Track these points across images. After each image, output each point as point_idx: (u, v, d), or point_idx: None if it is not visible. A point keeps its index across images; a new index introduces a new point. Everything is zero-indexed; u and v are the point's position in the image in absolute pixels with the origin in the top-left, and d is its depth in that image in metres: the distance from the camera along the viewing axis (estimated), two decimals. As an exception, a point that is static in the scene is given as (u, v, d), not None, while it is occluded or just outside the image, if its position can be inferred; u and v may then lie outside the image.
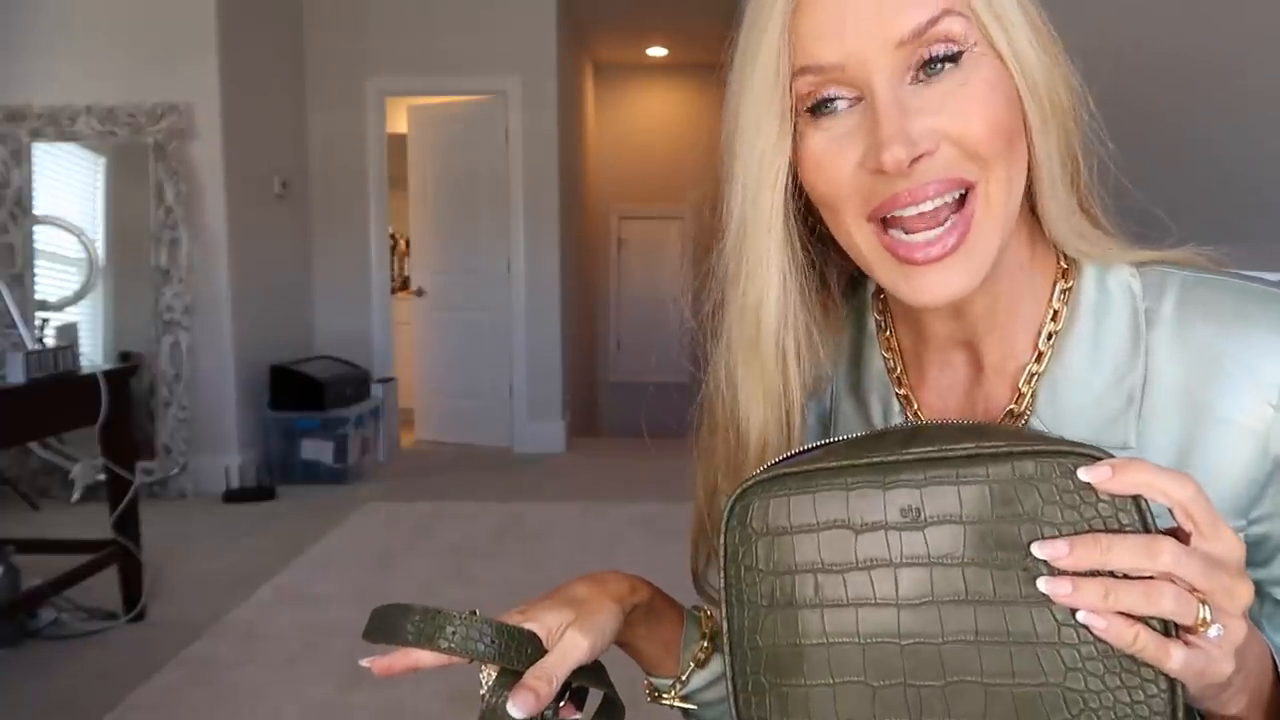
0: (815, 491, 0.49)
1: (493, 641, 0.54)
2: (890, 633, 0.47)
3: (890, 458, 0.48)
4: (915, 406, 0.65)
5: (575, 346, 6.32)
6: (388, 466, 5.22)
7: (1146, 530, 0.44)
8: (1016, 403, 0.60)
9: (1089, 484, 0.44)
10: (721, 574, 0.52)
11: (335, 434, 4.73)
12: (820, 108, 0.54)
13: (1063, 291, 0.60)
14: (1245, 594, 0.44)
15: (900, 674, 0.47)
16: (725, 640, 0.51)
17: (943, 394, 0.64)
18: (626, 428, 6.91)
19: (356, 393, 5.00)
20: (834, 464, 0.49)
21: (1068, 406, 0.58)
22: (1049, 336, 0.60)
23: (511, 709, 0.52)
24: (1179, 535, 0.44)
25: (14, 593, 2.63)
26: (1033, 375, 0.60)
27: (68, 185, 4.49)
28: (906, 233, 0.54)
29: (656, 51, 7.28)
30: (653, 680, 0.69)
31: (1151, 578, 0.43)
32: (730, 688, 0.51)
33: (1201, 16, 2.63)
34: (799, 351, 0.60)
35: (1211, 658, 0.43)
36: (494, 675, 0.56)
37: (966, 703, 0.46)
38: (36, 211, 4.34)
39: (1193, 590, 0.43)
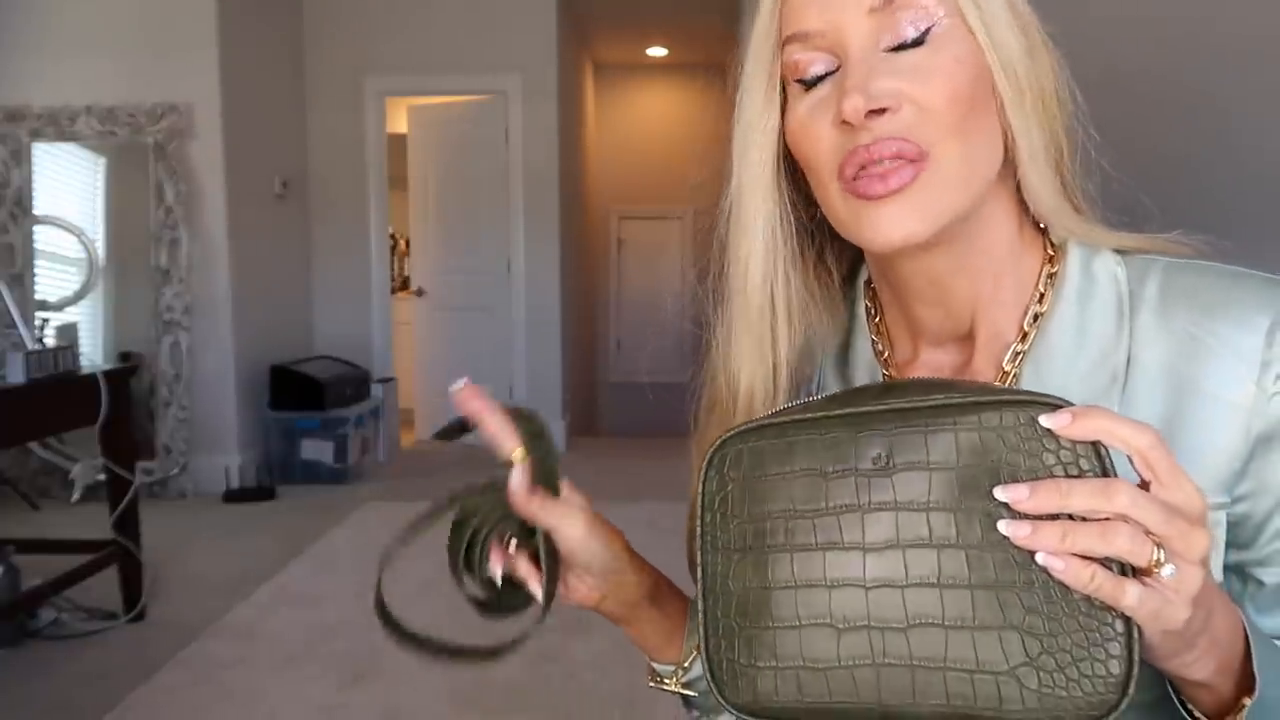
0: (790, 439, 0.51)
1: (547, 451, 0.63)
2: (856, 577, 0.48)
3: (863, 409, 0.50)
4: None
5: (575, 346, 6.32)
6: (388, 466, 5.22)
7: (1105, 475, 0.45)
8: (1001, 381, 0.62)
9: (1050, 431, 0.45)
10: (699, 521, 0.53)
11: (335, 434, 4.73)
12: (812, 81, 0.59)
13: (1049, 276, 0.62)
14: (1201, 542, 0.44)
15: (865, 618, 0.48)
16: (699, 585, 0.52)
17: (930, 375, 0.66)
18: (626, 428, 6.91)
19: (356, 393, 5.00)
20: (810, 415, 0.51)
21: (1051, 384, 0.59)
22: (1034, 318, 0.62)
23: (513, 476, 0.61)
24: (1141, 487, 0.45)
25: (14, 593, 2.63)
26: (1018, 354, 0.61)
27: (68, 185, 4.49)
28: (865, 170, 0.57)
29: (656, 51, 7.27)
30: (655, 666, 0.72)
31: (1110, 520, 0.44)
32: (702, 633, 0.52)
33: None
34: (789, 309, 0.64)
35: (1166, 599, 0.44)
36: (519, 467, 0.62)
37: (928, 645, 0.47)
38: (36, 211, 4.34)
39: (1149, 534, 0.44)
